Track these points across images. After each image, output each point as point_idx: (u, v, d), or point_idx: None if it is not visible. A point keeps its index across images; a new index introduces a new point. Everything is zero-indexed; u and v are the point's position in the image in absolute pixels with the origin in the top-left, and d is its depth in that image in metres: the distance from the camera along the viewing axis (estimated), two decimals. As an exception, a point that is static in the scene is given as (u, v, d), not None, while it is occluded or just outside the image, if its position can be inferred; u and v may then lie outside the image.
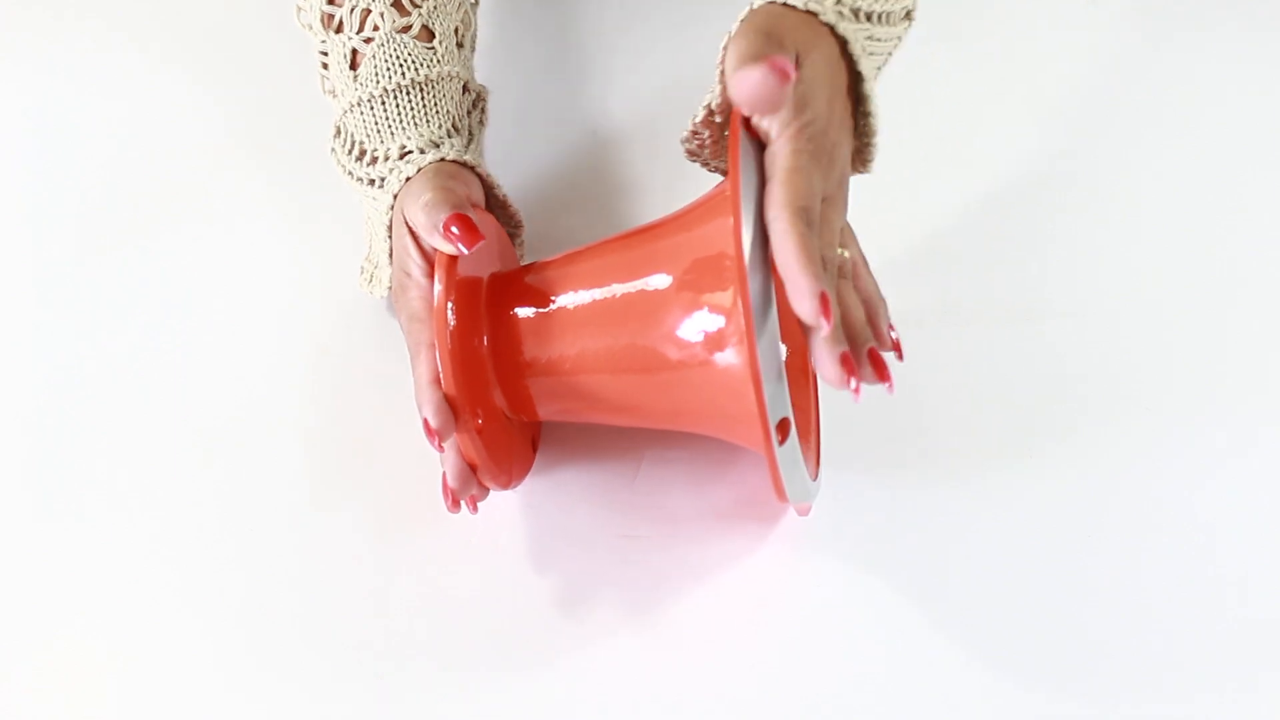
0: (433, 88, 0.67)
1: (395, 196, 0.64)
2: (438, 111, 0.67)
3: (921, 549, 0.64)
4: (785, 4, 0.57)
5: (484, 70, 0.77)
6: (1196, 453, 0.67)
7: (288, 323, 0.73)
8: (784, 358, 0.54)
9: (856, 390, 0.53)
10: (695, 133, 0.63)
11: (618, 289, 0.59)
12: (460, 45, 0.70)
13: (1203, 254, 0.74)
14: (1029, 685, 0.60)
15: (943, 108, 0.81)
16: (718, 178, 0.64)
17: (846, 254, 0.61)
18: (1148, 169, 0.77)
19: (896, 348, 0.63)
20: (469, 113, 0.69)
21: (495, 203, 0.68)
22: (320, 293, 0.74)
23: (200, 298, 0.74)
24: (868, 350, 0.58)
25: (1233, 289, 0.73)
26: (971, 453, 0.67)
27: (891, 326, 0.63)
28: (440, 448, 0.60)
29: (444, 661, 0.62)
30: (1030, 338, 0.71)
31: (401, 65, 0.67)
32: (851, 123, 0.59)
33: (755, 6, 0.58)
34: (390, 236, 0.65)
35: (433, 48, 0.68)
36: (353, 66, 0.68)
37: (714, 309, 0.56)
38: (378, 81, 0.67)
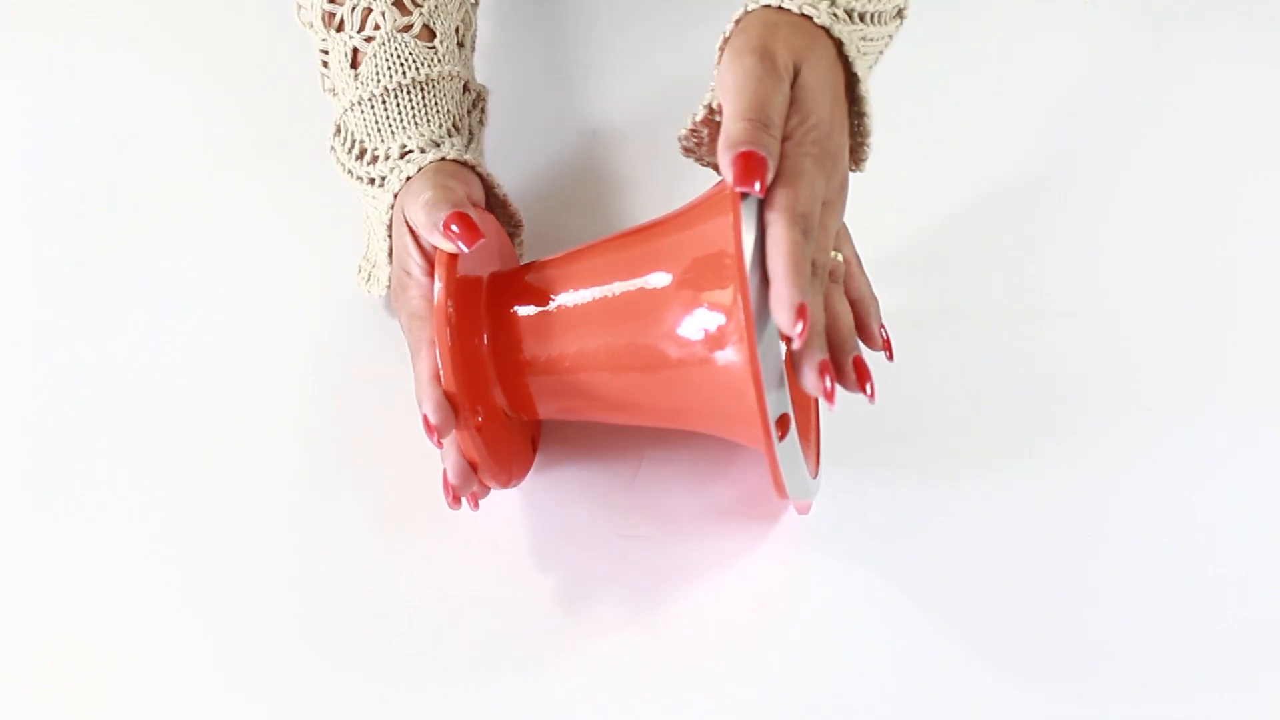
0: (433, 87, 0.67)
1: (395, 195, 0.65)
2: (438, 111, 0.67)
3: (921, 549, 0.64)
4: (780, 7, 0.58)
5: (484, 70, 0.77)
6: (1196, 453, 0.67)
7: (287, 323, 0.73)
8: (784, 355, 0.54)
9: (830, 397, 0.54)
10: (694, 130, 0.63)
11: (618, 287, 0.59)
12: (461, 45, 0.70)
13: (1203, 254, 0.74)
14: (1029, 685, 0.60)
15: (941, 108, 0.81)
16: (716, 176, 0.64)
17: (840, 256, 0.61)
18: (1147, 169, 0.77)
19: (887, 347, 0.64)
20: (469, 112, 0.69)
21: (495, 202, 0.68)
22: (320, 293, 0.74)
23: (200, 298, 0.74)
24: (853, 359, 0.59)
25: (1233, 289, 0.73)
26: (971, 453, 0.67)
27: (883, 326, 0.64)
28: (440, 444, 0.60)
29: (444, 661, 0.62)
30: (1030, 338, 0.71)
31: (402, 64, 0.67)
32: (848, 123, 0.59)
33: (750, 9, 0.58)
34: (390, 235, 0.65)
35: (434, 47, 0.68)
36: (353, 65, 0.68)
37: (714, 307, 0.56)
38: (378, 80, 0.67)
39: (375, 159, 0.66)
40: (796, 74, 0.56)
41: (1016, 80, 0.82)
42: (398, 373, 0.67)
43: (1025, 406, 0.68)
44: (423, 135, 0.66)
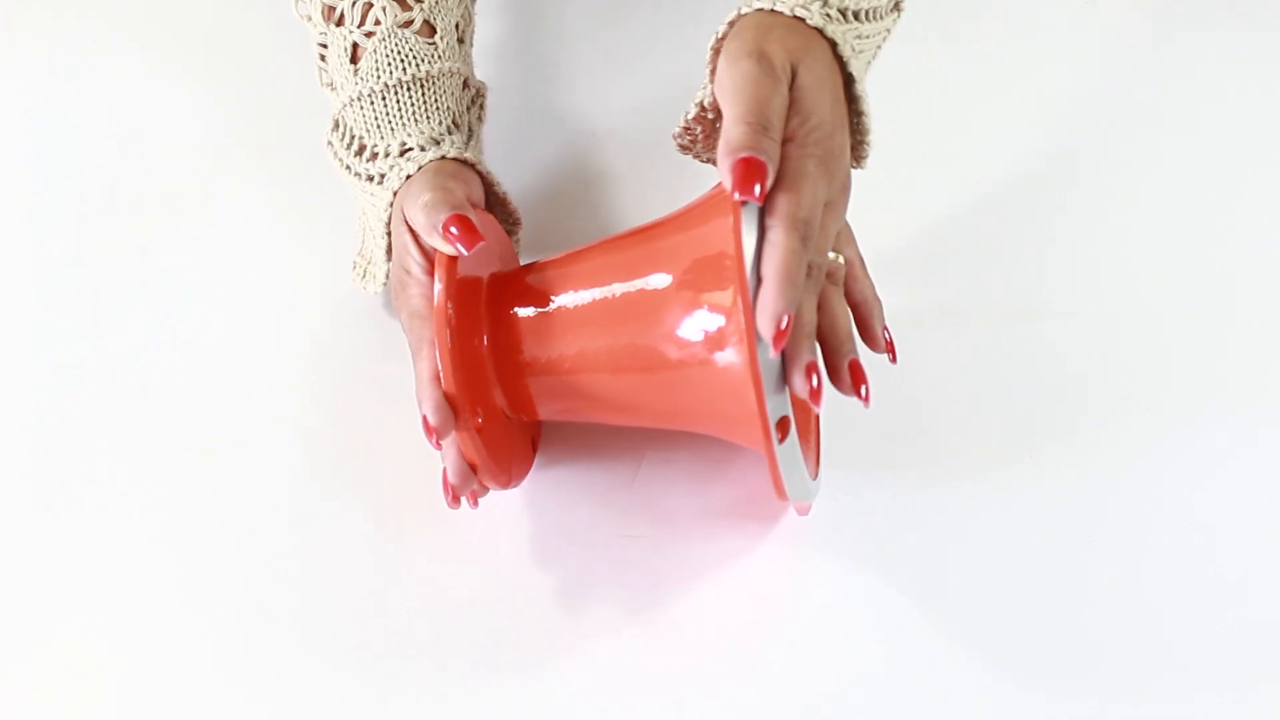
0: (434, 84, 0.67)
1: (395, 193, 0.64)
2: (438, 108, 0.67)
3: (921, 549, 0.64)
4: (772, 10, 0.58)
5: (485, 70, 0.77)
6: (1196, 453, 0.67)
7: (287, 323, 0.73)
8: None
9: (816, 398, 0.54)
10: (687, 128, 0.63)
11: (618, 288, 0.59)
12: (461, 40, 0.70)
13: (1203, 254, 0.74)
14: (1029, 685, 0.60)
15: (942, 108, 0.81)
16: (716, 176, 0.64)
17: (841, 259, 0.61)
18: (1147, 169, 0.77)
19: (890, 349, 0.64)
20: (469, 108, 0.69)
21: (495, 199, 0.68)
22: (320, 293, 0.74)
23: (200, 298, 0.74)
24: (849, 362, 0.59)
25: (1233, 289, 0.73)
26: (971, 453, 0.67)
27: (886, 328, 0.64)
28: (439, 446, 0.60)
29: (444, 661, 0.62)
30: (1030, 338, 0.71)
31: (403, 60, 0.67)
32: (848, 122, 0.59)
33: (743, 12, 0.58)
34: (388, 233, 0.65)
35: (434, 43, 0.68)
36: (353, 60, 0.68)
37: (714, 308, 0.56)
38: (378, 77, 0.66)
39: (375, 156, 0.66)
40: (794, 75, 0.56)
41: (1016, 80, 0.82)
42: (398, 373, 0.67)
43: (1025, 406, 0.68)
44: (423, 133, 0.66)
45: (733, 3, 0.60)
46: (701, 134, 0.64)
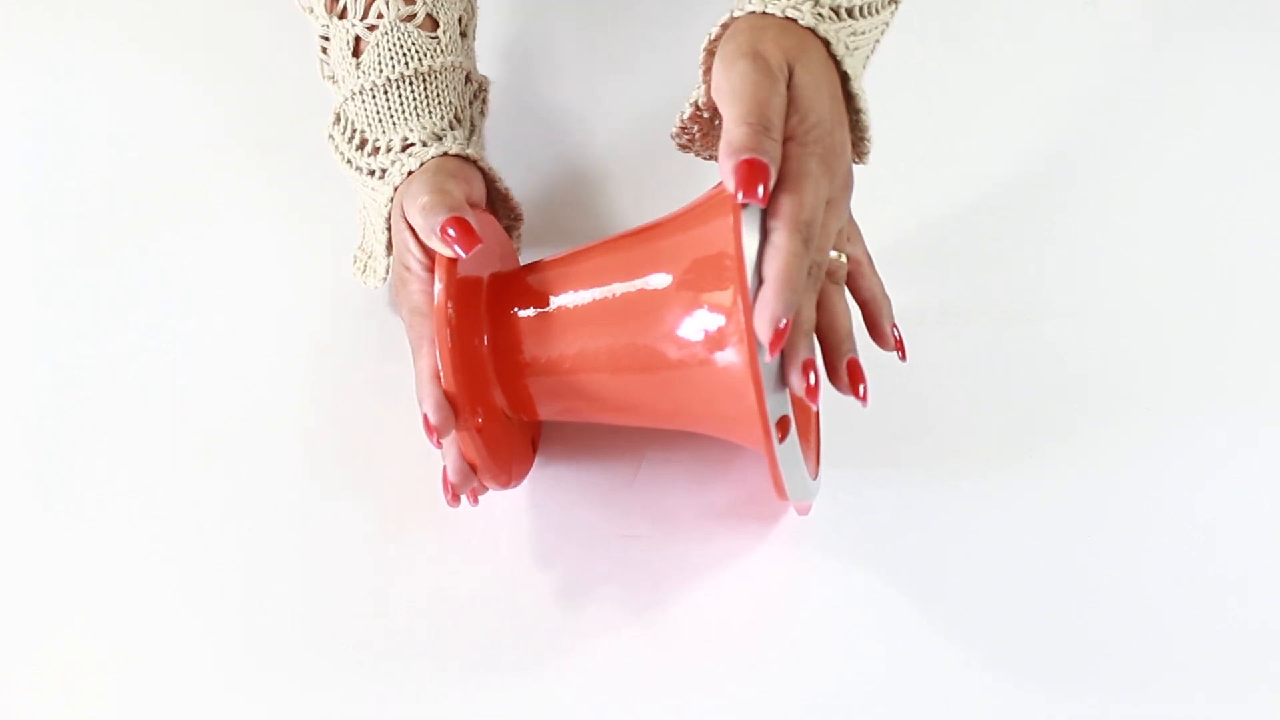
0: (436, 78, 0.67)
1: (396, 189, 0.64)
2: (440, 103, 0.67)
3: (921, 549, 0.64)
4: (764, 12, 0.58)
5: (487, 68, 0.77)
6: (1196, 453, 0.67)
7: (288, 323, 0.73)
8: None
9: (812, 395, 0.54)
10: (684, 128, 0.64)
11: (618, 288, 0.59)
12: (464, 34, 0.70)
13: (1203, 254, 0.74)
14: (1029, 685, 0.60)
15: (942, 108, 0.81)
16: (717, 175, 0.64)
17: (843, 257, 0.61)
18: (1147, 169, 0.77)
19: (899, 347, 0.64)
20: (471, 103, 0.69)
21: (496, 195, 0.68)
22: (320, 293, 0.74)
23: (200, 298, 0.74)
24: (847, 361, 0.59)
25: (1233, 289, 0.73)
26: (972, 453, 0.67)
27: (895, 326, 0.64)
28: (439, 445, 0.60)
29: (444, 661, 0.62)
30: (1030, 338, 0.71)
31: (405, 55, 0.66)
32: (847, 119, 0.59)
33: (736, 15, 0.58)
34: (389, 228, 0.65)
35: (436, 37, 0.68)
36: (355, 53, 0.67)
37: (714, 308, 0.56)
38: (380, 70, 0.66)
39: (376, 150, 0.66)
40: (791, 74, 0.56)
41: (1016, 80, 0.82)
42: (398, 373, 0.67)
43: (1025, 406, 0.68)
44: (425, 128, 0.65)
45: (730, 1, 0.60)
46: (699, 133, 0.64)
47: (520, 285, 0.62)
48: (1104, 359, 0.70)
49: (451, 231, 0.59)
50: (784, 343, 0.53)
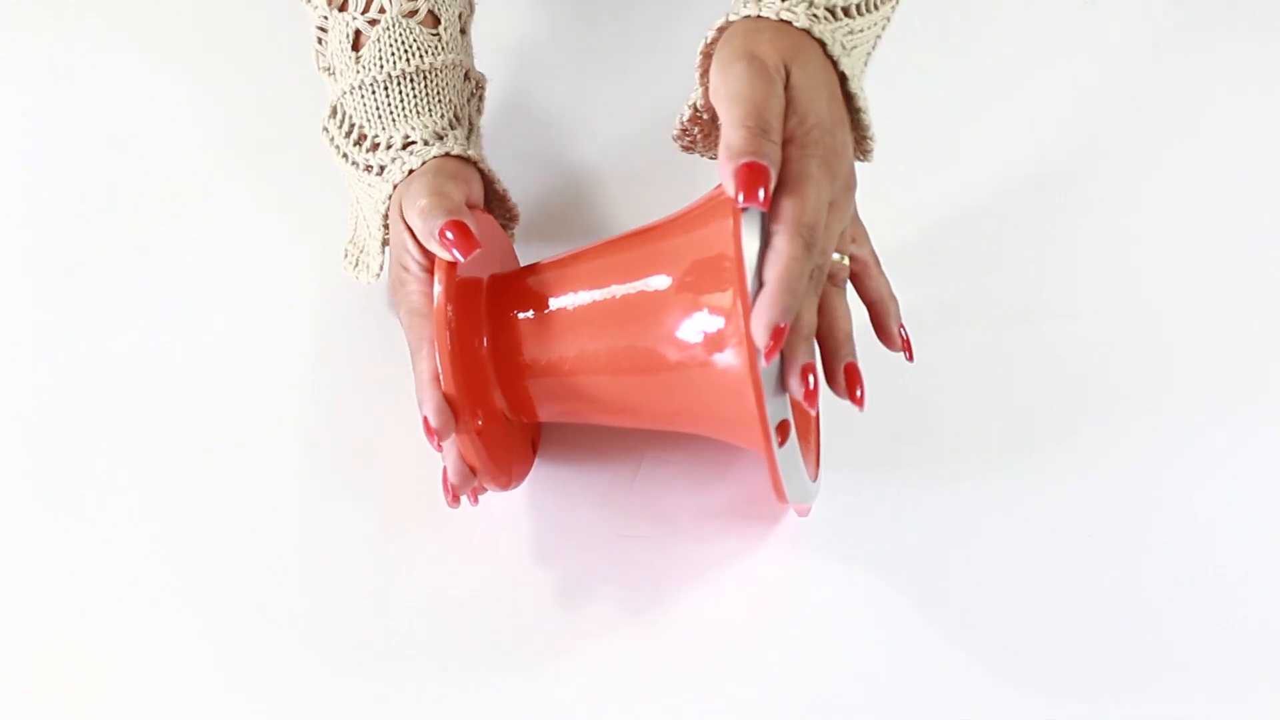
0: (437, 76, 0.67)
1: (395, 186, 0.64)
2: (440, 101, 0.66)
3: (921, 549, 0.64)
4: (759, 15, 0.58)
5: (485, 69, 0.77)
6: (1196, 453, 0.67)
7: (288, 323, 0.73)
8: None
9: (811, 400, 0.54)
10: (685, 130, 0.63)
11: (617, 290, 0.59)
12: (463, 31, 0.70)
13: (1203, 254, 0.74)
14: (1029, 685, 0.60)
15: (942, 108, 0.81)
16: (718, 176, 0.64)
17: (845, 259, 0.61)
18: (1147, 169, 0.77)
19: (906, 347, 0.64)
20: (469, 101, 0.69)
21: (494, 196, 0.68)
22: (320, 293, 0.74)
23: (200, 298, 0.74)
24: (845, 365, 0.59)
25: (1233, 289, 0.73)
26: (971, 453, 0.67)
27: (903, 326, 0.64)
28: (439, 448, 0.60)
29: (444, 661, 0.62)
30: (1030, 338, 0.71)
31: (407, 51, 0.66)
32: (849, 119, 0.59)
33: (731, 19, 0.58)
34: (385, 225, 0.65)
35: (438, 34, 0.67)
36: (355, 47, 0.67)
37: (714, 310, 0.56)
38: (381, 66, 0.66)
39: (375, 146, 0.66)
40: (788, 76, 0.56)
41: (1017, 80, 0.82)
42: (398, 373, 0.67)
43: (1025, 406, 0.68)
44: (426, 126, 0.65)
45: (727, 3, 0.60)
46: (700, 134, 0.64)
47: (520, 287, 0.62)
48: (1104, 359, 0.70)
49: (450, 235, 0.59)
50: (781, 347, 0.52)
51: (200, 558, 0.65)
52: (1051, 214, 0.76)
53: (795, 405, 0.57)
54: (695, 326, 0.57)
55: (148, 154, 0.81)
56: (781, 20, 0.57)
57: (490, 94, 0.72)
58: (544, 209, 0.76)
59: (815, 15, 0.58)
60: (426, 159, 0.64)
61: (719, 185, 0.60)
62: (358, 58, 0.66)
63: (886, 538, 0.64)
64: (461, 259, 0.59)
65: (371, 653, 0.62)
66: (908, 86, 0.79)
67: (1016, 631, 0.62)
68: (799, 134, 0.55)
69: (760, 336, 0.52)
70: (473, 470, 0.61)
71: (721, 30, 0.59)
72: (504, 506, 0.66)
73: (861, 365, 0.59)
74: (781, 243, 0.53)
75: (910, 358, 0.64)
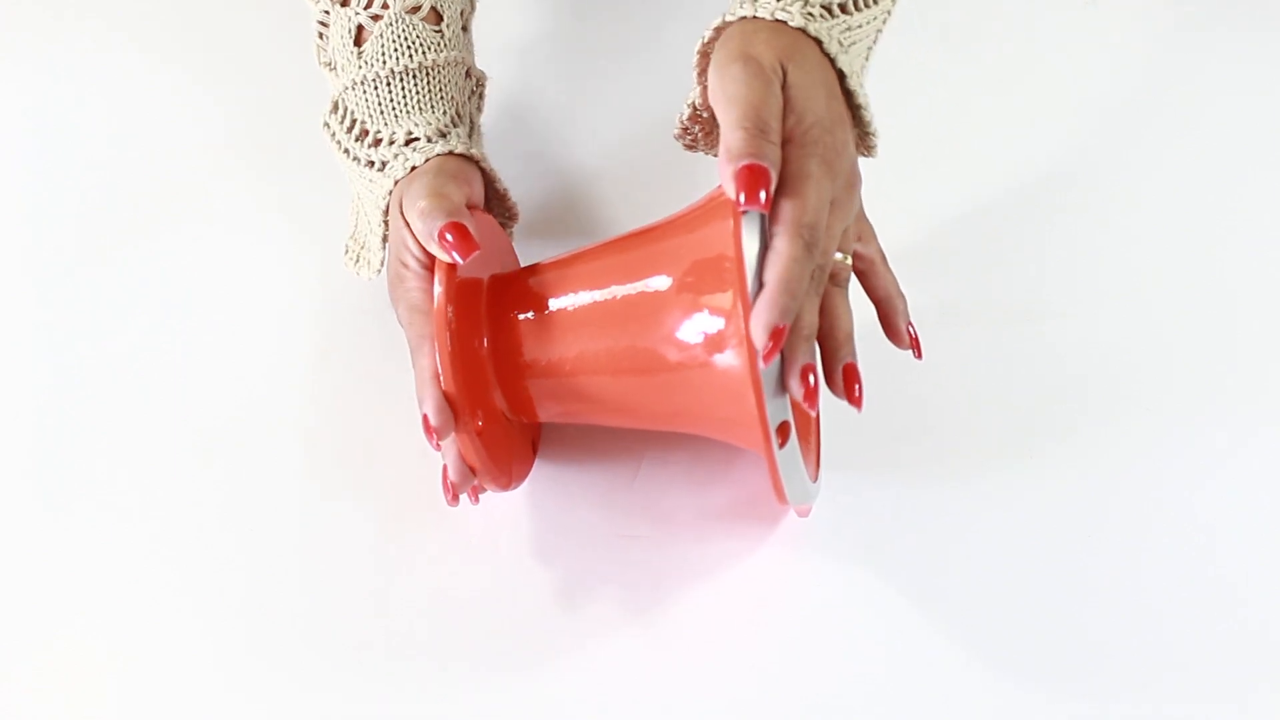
0: (439, 73, 0.66)
1: (396, 182, 0.64)
2: (443, 98, 0.66)
3: (921, 549, 0.64)
4: (754, 16, 0.58)
5: (486, 67, 0.77)
6: (1196, 453, 0.67)
7: (288, 323, 0.73)
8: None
9: (811, 400, 0.54)
10: (686, 129, 0.63)
11: (618, 291, 0.59)
12: (464, 28, 0.70)
13: (1203, 254, 0.74)
14: (1029, 685, 0.60)
15: (942, 108, 0.81)
16: (717, 176, 0.64)
17: (848, 259, 0.61)
18: (1147, 169, 0.77)
19: (915, 345, 0.64)
20: (469, 98, 0.69)
21: (494, 195, 0.68)
22: (320, 292, 0.74)
23: (200, 298, 0.74)
24: (844, 366, 0.58)
25: (1233, 289, 0.73)
26: (971, 453, 0.67)
27: (910, 324, 0.64)
28: (438, 448, 0.60)
29: (444, 661, 0.62)
30: (1030, 338, 0.71)
31: (409, 48, 0.66)
32: (849, 116, 0.59)
33: (727, 20, 0.58)
34: (386, 221, 0.65)
35: (440, 31, 0.67)
36: (357, 43, 0.67)
37: (714, 311, 0.56)
38: (384, 62, 0.66)
39: (378, 141, 0.65)
40: (785, 75, 0.56)
41: (1017, 80, 0.82)
42: (398, 373, 0.67)
43: (1025, 406, 0.68)
44: (429, 124, 0.65)
45: (725, 3, 0.60)
46: (701, 133, 0.64)
47: (520, 287, 0.62)
48: (1104, 359, 0.70)
49: (450, 237, 0.59)
50: (781, 348, 0.52)
51: (200, 558, 0.65)
52: (1051, 214, 0.76)
53: (795, 406, 0.57)
54: (695, 327, 0.57)
55: (148, 154, 0.81)
56: (777, 20, 0.57)
57: (490, 93, 0.72)
58: (544, 209, 0.76)
59: (810, 13, 0.58)
60: (429, 156, 0.64)
61: (719, 185, 0.60)
62: (360, 53, 0.66)
63: (886, 538, 0.64)
64: (461, 261, 0.59)
65: (372, 653, 0.62)
66: (907, 85, 0.79)
67: (1016, 631, 0.62)
68: (798, 133, 0.55)
69: (759, 338, 0.52)
70: (472, 470, 0.61)
71: (718, 30, 0.59)
72: (504, 506, 0.66)
73: (861, 365, 0.59)
74: (782, 244, 0.53)
75: (919, 355, 0.64)
